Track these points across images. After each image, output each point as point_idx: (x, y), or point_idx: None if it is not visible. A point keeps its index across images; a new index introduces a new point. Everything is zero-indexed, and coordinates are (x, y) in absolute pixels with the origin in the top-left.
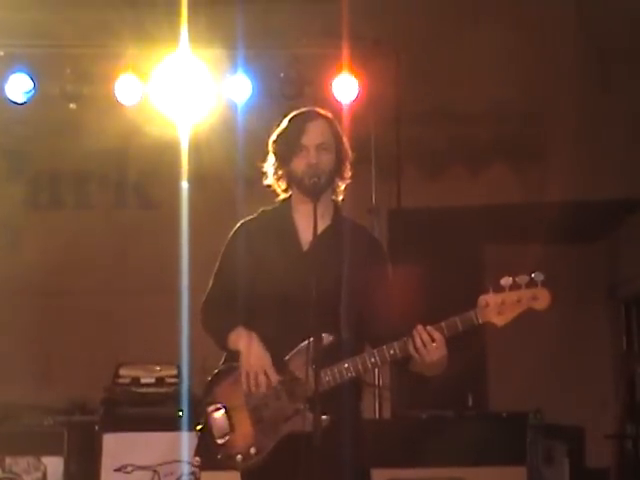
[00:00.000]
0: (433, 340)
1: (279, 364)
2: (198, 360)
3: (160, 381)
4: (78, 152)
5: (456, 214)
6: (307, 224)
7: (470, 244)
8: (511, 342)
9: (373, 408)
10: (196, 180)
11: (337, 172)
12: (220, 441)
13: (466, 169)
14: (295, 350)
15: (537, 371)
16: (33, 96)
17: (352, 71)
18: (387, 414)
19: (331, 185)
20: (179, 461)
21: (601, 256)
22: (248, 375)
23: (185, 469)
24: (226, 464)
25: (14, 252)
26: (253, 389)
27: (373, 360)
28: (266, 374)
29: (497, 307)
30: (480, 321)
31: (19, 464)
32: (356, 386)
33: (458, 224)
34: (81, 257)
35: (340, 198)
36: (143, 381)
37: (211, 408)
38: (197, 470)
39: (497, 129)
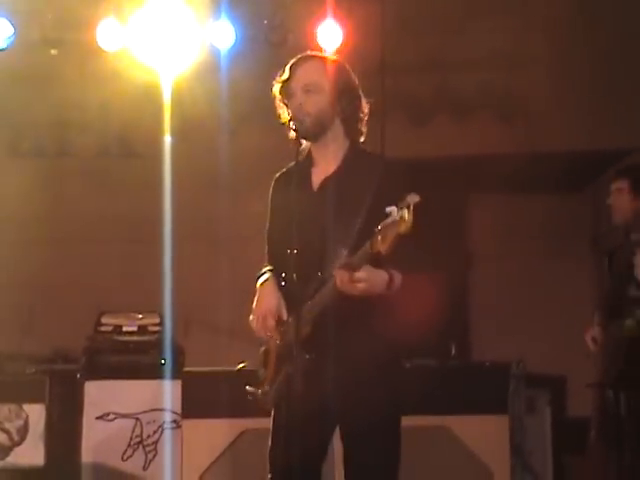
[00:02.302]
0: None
1: (289, 304)
2: (181, 309)
3: (142, 329)
4: (59, 99)
5: (441, 163)
6: (319, 170)
7: (455, 193)
8: (494, 292)
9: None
10: (179, 128)
11: (338, 112)
12: (261, 377)
13: (452, 118)
14: (299, 290)
15: (520, 321)
16: (13, 42)
17: (336, 18)
18: None
19: (329, 127)
20: (161, 409)
21: (585, 207)
22: (257, 318)
23: (167, 417)
24: (254, 399)
25: None
26: (261, 331)
27: (322, 294)
28: (268, 320)
29: (383, 233)
30: (373, 250)
31: (1, 412)
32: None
33: (443, 173)
34: (62, 205)
35: (361, 139)
36: (125, 329)
37: (262, 348)
38: (178, 418)
39: (483, 78)
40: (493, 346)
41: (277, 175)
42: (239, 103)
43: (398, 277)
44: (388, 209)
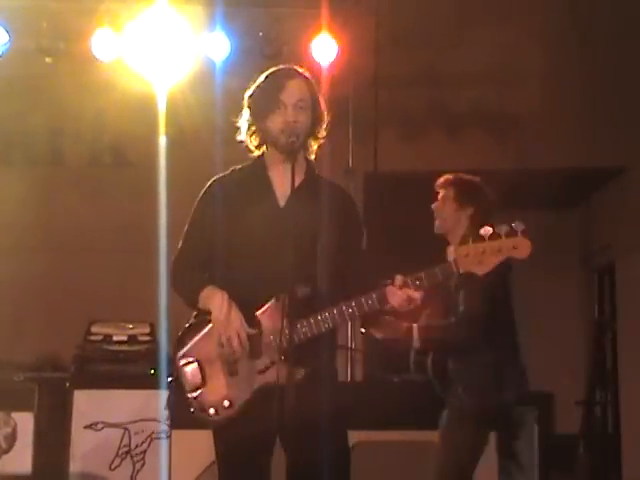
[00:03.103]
0: (414, 290)
1: (253, 318)
2: (172, 319)
3: (132, 339)
4: (53, 108)
5: (433, 178)
6: (282, 181)
7: None
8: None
9: (345, 370)
10: (173, 138)
11: (312, 132)
12: (192, 395)
13: (444, 133)
14: (270, 303)
15: None
16: (8, 50)
17: (331, 32)
18: (359, 377)
19: (305, 144)
20: (150, 419)
21: (576, 225)
22: (222, 337)
23: (156, 427)
24: (199, 417)
25: None
26: (227, 350)
27: (350, 310)
28: (238, 333)
29: (477, 256)
30: (461, 271)
31: None
32: (332, 341)
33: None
34: (55, 214)
35: (312, 157)
36: (115, 339)
37: (183, 362)
38: (168, 428)
39: (476, 94)
40: None
41: (216, 178)
42: (233, 114)
43: None
44: (482, 231)
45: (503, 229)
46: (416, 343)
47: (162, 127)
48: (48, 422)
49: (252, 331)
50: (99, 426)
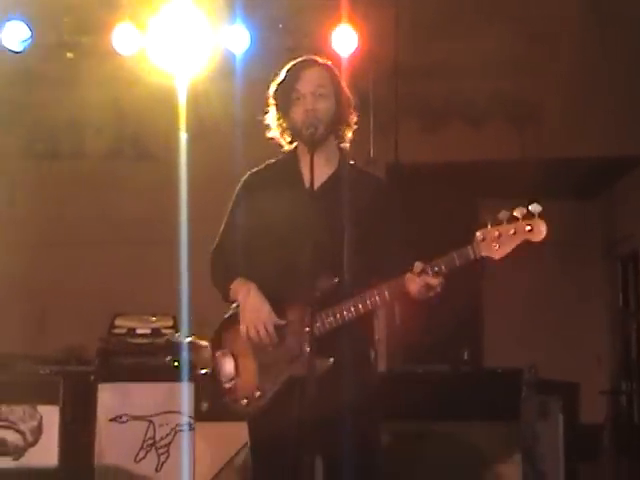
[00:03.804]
0: (432, 277)
1: (281, 308)
2: (195, 311)
3: (156, 332)
4: (75, 102)
5: (453, 169)
6: (313, 172)
7: (467, 199)
8: (507, 298)
9: (372, 348)
10: (194, 131)
11: (339, 119)
12: (227, 385)
13: (464, 124)
14: (298, 294)
15: (533, 327)
16: (30, 45)
17: (351, 23)
18: (382, 368)
19: (333, 132)
20: (174, 412)
21: (598, 214)
22: (247, 327)
23: (180, 419)
24: (232, 408)
25: (10, 202)
26: (255, 340)
27: (373, 299)
28: (265, 325)
29: (494, 240)
30: (477, 255)
31: (15, 412)
32: (364, 330)
33: (455, 179)
34: (77, 208)
35: (347, 145)
36: (139, 331)
37: (219, 353)
38: (192, 420)
39: (496, 84)
40: (505, 352)
41: (250, 173)
42: (254, 106)
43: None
44: (500, 215)
45: (521, 212)
46: None
47: (183, 120)
48: (73, 415)
49: (280, 321)
50: (124, 419)
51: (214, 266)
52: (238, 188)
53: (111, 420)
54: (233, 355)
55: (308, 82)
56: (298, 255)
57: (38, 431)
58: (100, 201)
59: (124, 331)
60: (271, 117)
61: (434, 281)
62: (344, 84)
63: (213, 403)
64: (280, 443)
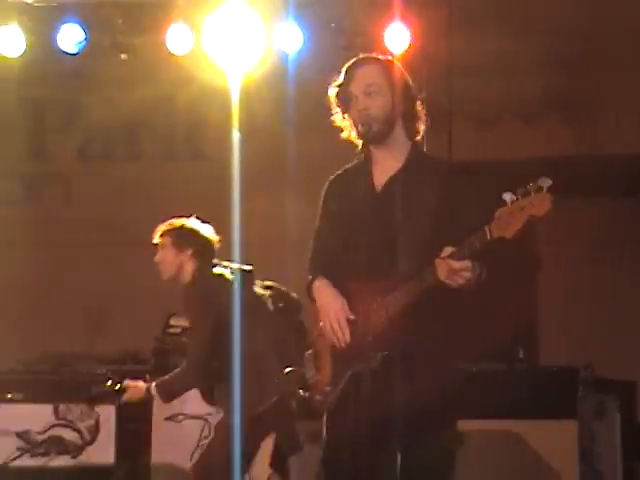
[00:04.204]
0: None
1: (357, 304)
2: None
3: None
4: (129, 103)
5: (507, 167)
6: (380, 170)
7: None
8: (562, 296)
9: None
10: (246, 131)
11: (400, 113)
12: (310, 381)
13: (518, 121)
14: (370, 289)
15: (588, 325)
16: (84, 47)
17: (404, 21)
18: None
19: (393, 128)
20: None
21: None
22: (325, 325)
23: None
24: (310, 405)
25: (66, 203)
26: (333, 338)
27: (415, 285)
28: (338, 319)
29: (507, 218)
30: (492, 236)
31: (73, 411)
32: (441, 324)
33: (510, 177)
34: (131, 207)
35: (419, 137)
36: None
37: (308, 352)
38: None
39: (551, 80)
40: (561, 350)
41: (332, 177)
42: (306, 105)
43: (484, 271)
44: (504, 195)
45: (532, 187)
46: None
47: (235, 120)
48: (129, 414)
49: (350, 316)
50: (179, 418)
51: (309, 268)
52: (322, 193)
53: (167, 419)
54: (316, 352)
55: (359, 82)
56: (367, 253)
57: (95, 430)
58: (154, 201)
59: (179, 330)
60: (338, 119)
61: (457, 265)
62: (405, 77)
63: (300, 400)
64: (353, 440)
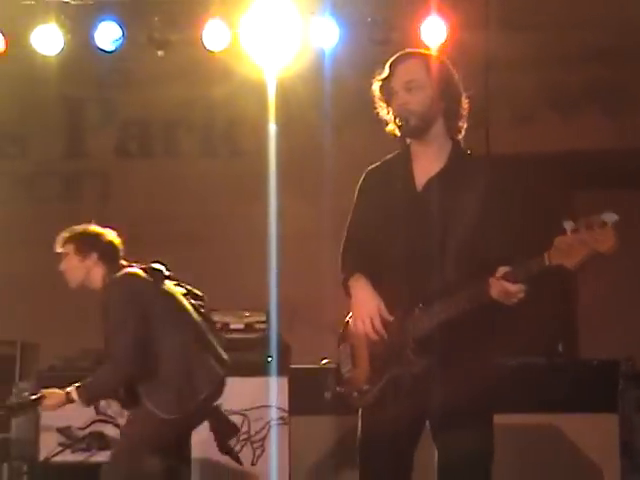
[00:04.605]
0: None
1: (394, 305)
2: (286, 305)
3: (249, 327)
4: (166, 100)
5: (546, 160)
6: (421, 168)
7: (561, 190)
8: (602, 289)
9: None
10: (283, 127)
11: (440, 110)
12: (346, 375)
13: (556, 114)
14: (408, 292)
15: (629, 318)
16: (121, 44)
17: (440, 14)
18: None
19: (433, 124)
20: (268, 406)
21: None
22: (357, 321)
23: (274, 414)
24: (345, 400)
25: (104, 200)
26: (368, 333)
27: (461, 301)
28: (373, 320)
29: (567, 249)
30: (552, 263)
31: (113, 407)
32: (479, 329)
33: (548, 170)
34: (169, 205)
35: (460, 136)
36: (232, 327)
37: (342, 345)
38: (286, 415)
39: (589, 73)
40: (601, 344)
41: (368, 169)
42: (343, 100)
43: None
44: (565, 224)
45: (595, 220)
46: None
47: (272, 115)
48: None
49: (389, 317)
50: None
51: (341, 262)
52: (359, 184)
53: None
54: (352, 347)
55: (400, 77)
56: (408, 251)
57: None
58: (192, 197)
59: (218, 326)
60: (383, 113)
61: (513, 288)
62: (449, 73)
63: (332, 392)
64: (389, 437)
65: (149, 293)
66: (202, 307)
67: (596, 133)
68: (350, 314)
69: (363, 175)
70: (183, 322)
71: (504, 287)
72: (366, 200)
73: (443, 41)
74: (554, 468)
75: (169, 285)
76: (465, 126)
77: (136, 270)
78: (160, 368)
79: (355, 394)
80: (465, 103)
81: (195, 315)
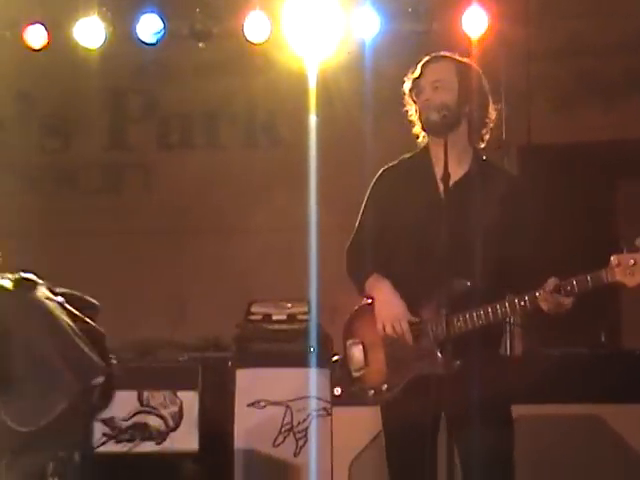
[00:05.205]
0: (564, 297)
1: (414, 307)
2: (327, 297)
3: (291, 318)
4: (207, 91)
5: (588, 149)
6: (441, 168)
7: (603, 180)
8: None
9: (504, 345)
10: (324, 117)
11: (465, 114)
12: (356, 374)
13: (598, 103)
14: (430, 295)
15: None
16: (163, 36)
17: (481, 4)
18: (519, 351)
19: (455, 127)
20: (310, 397)
21: None
22: (385, 325)
23: (316, 405)
24: (359, 397)
25: (146, 192)
26: (387, 335)
27: (503, 310)
28: (400, 322)
29: (628, 267)
30: (610, 280)
31: (156, 398)
32: (494, 330)
33: (590, 160)
34: (212, 196)
35: (482, 145)
36: (275, 318)
37: (350, 342)
38: (329, 406)
39: (630, 61)
40: None
41: (385, 169)
42: (383, 91)
43: None
44: (637, 242)
45: None
46: None
47: (313, 106)
48: (212, 401)
49: (413, 319)
50: (262, 404)
51: (350, 260)
52: (373, 182)
53: (249, 405)
54: (363, 345)
55: (429, 76)
56: (431, 255)
57: (179, 416)
58: (234, 188)
59: (260, 317)
60: (411, 112)
61: (566, 301)
62: (481, 82)
63: (344, 390)
64: (409, 434)
65: (10, 304)
66: (85, 313)
67: (638, 122)
68: (357, 307)
69: (379, 174)
70: (48, 330)
71: (557, 300)
72: (383, 200)
73: (484, 31)
74: (597, 460)
75: (40, 293)
76: (488, 137)
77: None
78: (18, 378)
79: (371, 392)
80: (492, 114)
81: (65, 322)
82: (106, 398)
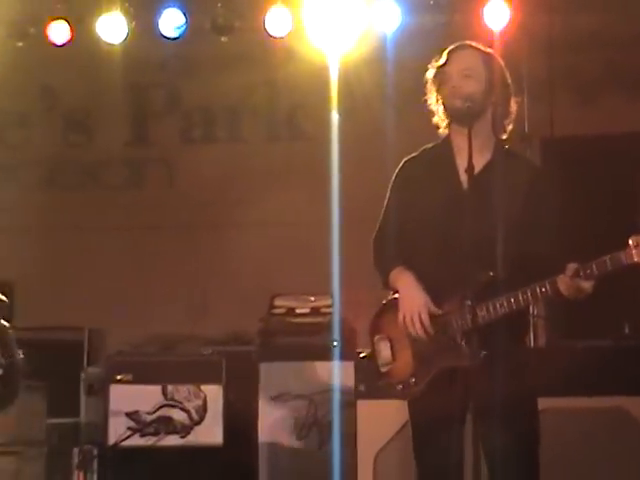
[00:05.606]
0: (584, 280)
1: (438, 299)
2: (351, 290)
3: (315, 311)
4: (229, 85)
5: (612, 141)
6: (463, 158)
7: (627, 173)
8: None
9: (528, 337)
10: (346, 111)
11: (490, 104)
12: (383, 369)
13: (622, 95)
14: (454, 286)
15: None
16: (185, 31)
17: None
18: (542, 343)
19: (481, 116)
20: (334, 390)
21: None
22: (405, 316)
23: (341, 398)
24: (386, 392)
25: (169, 186)
26: (411, 329)
27: (525, 297)
28: (421, 314)
29: None
30: (628, 261)
31: (180, 392)
32: (519, 321)
33: (614, 152)
34: (233, 189)
35: (504, 136)
36: (298, 311)
37: (377, 337)
38: (353, 399)
39: None
40: None
41: (407, 159)
42: (405, 83)
43: None
44: None
45: None
46: None
47: (335, 100)
48: (236, 394)
49: (437, 311)
50: (285, 397)
51: (376, 252)
52: (395, 173)
53: (273, 398)
54: (390, 340)
55: (457, 63)
56: (454, 246)
57: (203, 410)
58: (256, 182)
59: (283, 311)
60: (432, 102)
61: (586, 284)
62: (504, 72)
63: (370, 385)
64: (437, 427)
65: None
66: None
67: None
68: (384, 302)
69: (401, 164)
70: None
71: (577, 284)
72: (406, 191)
73: (506, 23)
74: (622, 452)
75: None
76: (510, 127)
77: None
78: None
79: (399, 387)
80: (514, 106)
81: None
82: (9, 390)
